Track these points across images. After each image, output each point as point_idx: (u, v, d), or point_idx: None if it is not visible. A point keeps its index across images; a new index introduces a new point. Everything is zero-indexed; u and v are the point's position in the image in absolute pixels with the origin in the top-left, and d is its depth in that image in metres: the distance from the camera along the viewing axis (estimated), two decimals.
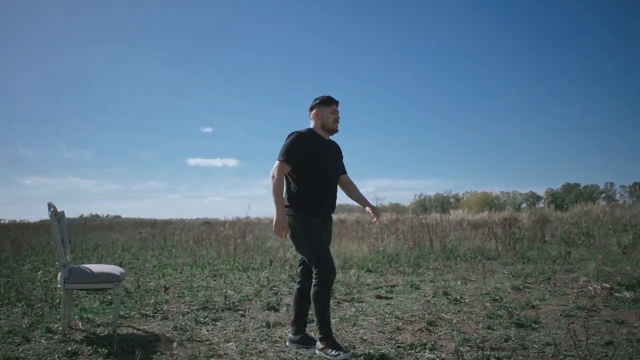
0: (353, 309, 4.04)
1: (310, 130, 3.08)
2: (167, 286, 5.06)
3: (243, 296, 4.61)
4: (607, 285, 4.87)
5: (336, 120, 3.08)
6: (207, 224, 27.87)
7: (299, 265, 3.12)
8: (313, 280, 2.81)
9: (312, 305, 2.82)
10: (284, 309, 4.12)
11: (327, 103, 3.07)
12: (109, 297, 4.51)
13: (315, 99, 3.11)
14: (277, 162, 2.92)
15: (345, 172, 3.29)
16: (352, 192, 3.32)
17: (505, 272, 6.46)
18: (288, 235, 2.86)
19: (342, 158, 3.27)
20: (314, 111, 3.08)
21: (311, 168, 2.92)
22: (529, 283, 5.62)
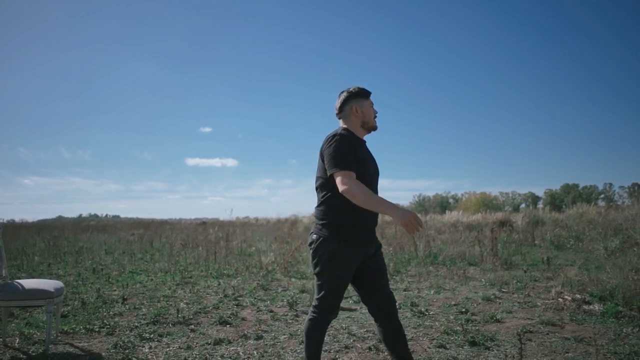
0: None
1: (347, 130, 2.46)
2: (125, 297, 4.94)
3: (200, 308, 4.48)
4: (579, 296, 4.73)
5: (375, 115, 2.56)
6: (203, 224, 27.82)
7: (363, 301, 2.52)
8: (311, 312, 2.39)
9: (304, 338, 2.40)
10: (237, 321, 3.99)
11: (365, 95, 2.52)
12: (65, 309, 4.39)
13: (347, 92, 2.53)
14: (339, 176, 2.25)
15: None
16: None
17: (483, 280, 6.33)
18: (312, 249, 2.34)
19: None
20: (353, 106, 2.47)
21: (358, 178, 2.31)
22: (503, 292, 5.49)
